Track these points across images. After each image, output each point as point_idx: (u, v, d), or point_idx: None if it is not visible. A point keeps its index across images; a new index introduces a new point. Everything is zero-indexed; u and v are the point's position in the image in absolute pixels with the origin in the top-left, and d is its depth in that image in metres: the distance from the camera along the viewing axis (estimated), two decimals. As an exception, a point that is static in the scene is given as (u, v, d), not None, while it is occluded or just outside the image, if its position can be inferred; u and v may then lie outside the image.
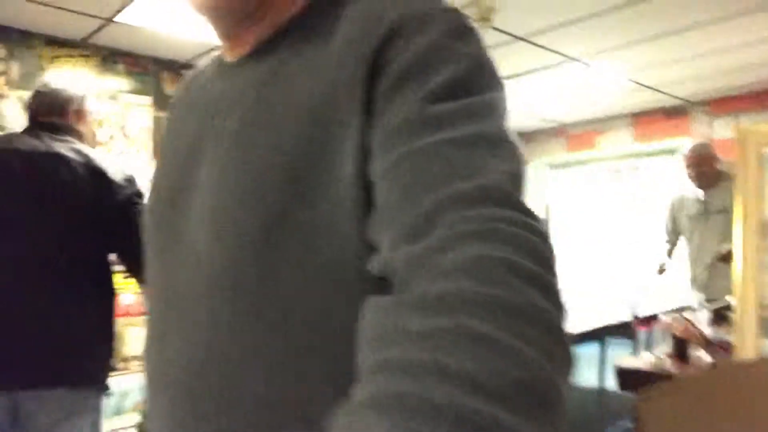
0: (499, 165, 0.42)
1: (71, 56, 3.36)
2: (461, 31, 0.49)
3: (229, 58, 0.62)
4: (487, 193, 0.40)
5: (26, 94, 2.99)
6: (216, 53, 0.67)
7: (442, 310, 0.32)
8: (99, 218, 1.67)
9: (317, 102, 0.50)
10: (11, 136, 1.75)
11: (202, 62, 0.72)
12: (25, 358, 1.54)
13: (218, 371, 0.50)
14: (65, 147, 1.70)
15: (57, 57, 3.30)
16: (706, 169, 3.35)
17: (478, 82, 0.47)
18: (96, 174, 1.68)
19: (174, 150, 0.62)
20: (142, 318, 3.33)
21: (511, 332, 0.31)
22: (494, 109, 0.46)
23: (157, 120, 3.68)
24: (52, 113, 1.81)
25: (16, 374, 1.54)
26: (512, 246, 0.36)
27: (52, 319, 1.56)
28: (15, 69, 3.14)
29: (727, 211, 3.04)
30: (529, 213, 0.40)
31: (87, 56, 3.41)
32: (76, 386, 1.60)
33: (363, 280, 0.47)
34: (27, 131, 1.75)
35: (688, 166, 3.40)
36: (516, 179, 0.42)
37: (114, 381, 3.28)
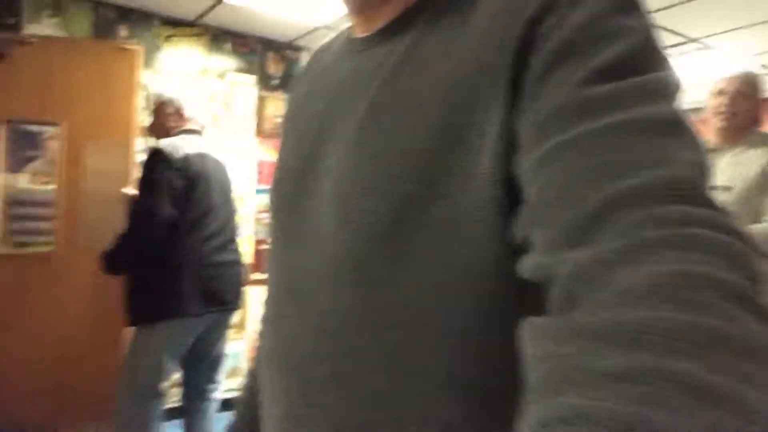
0: (682, 153, 0.34)
1: (184, 35, 3.50)
2: (624, 2, 0.42)
3: (360, 33, 0.59)
4: (673, 187, 0.32)
5: (146, 72, 3.18)
6: (327, 32, 0.66)
7: (638, 345, 0.25)
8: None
9: (457, 86, 0.46)
10: (202, 143, 2.37)
11: (329, 37, 0.69)
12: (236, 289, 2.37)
13: (335, 359, 0.49)
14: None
15: (171, 36, 3.45)
16: (739, 111, 2.13)
17: (647, 59, 0.40)
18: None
19: (301, 129, 0.60)
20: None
21: (733, 376, 0.23)
22: (668, 90, 0.39)
23: (260, 99, 3.78)
24: (184, 119, 2.41)
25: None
26: (716, 257, 0.29)
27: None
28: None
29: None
30: (724, 213, 0.32)
31: (198, 35, 3.55)
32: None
33: (495, 282, 0.44)
34: (187, 134, 2.35)
35: (715, 108, 2.18)
36: (704, 171, 0.35)
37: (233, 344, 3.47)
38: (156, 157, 2.17)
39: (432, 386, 0.45)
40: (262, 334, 0.61)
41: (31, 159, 2.81)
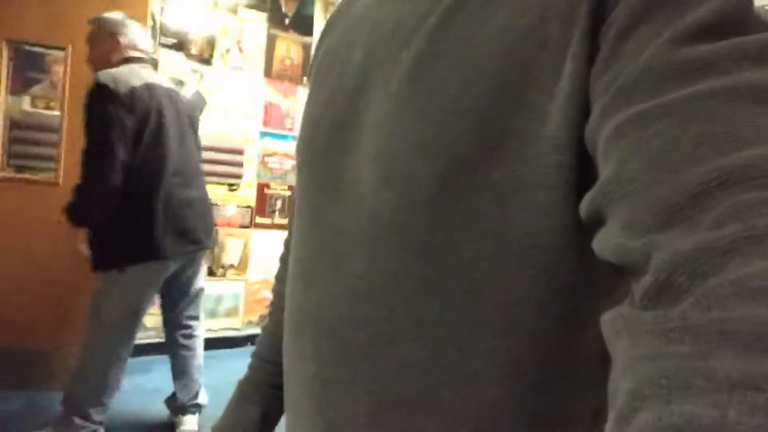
0: None
1: (195, -35, 3.38)
2: None
3: None
4: None
5: (153, 1, 3.09)
6: None
7: (765, 348, 0.22)
8: None
9: (520, 37, 0.41)
10: (150, 73, 2.17)
11: None
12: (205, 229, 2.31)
13: (374, 327, 0.46)
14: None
15: (182, -35, 3.34)
16: None
17: (747, 18, 0.34)
18: None
19: (336, 79, 0.55)
20: (242, 230, 3.45)
21: None
22: None
23: (271, 37, 3.68)
24: (125, 46, 2.23)
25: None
26: None
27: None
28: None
29: None
30: None
31: (210, -34, 3.43)
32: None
33: (557, 256, 0.40)
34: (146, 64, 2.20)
35: None
36: None
37: (211, 286, 3.49)
38: (99, 93, 1.99)
39: (477, 361, 0.42)
40: (289, 293, 0.57)
41: (34, 82, 2.74)
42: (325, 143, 0.54)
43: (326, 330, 0.50)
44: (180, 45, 3.36)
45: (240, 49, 3.58)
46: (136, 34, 2.25)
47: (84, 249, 2.12)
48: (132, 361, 3.03)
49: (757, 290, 0.24)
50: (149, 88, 2.11)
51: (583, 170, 0.38)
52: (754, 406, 0.20)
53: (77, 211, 2.03)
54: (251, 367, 0.72)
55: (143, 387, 2.92)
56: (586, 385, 0.44)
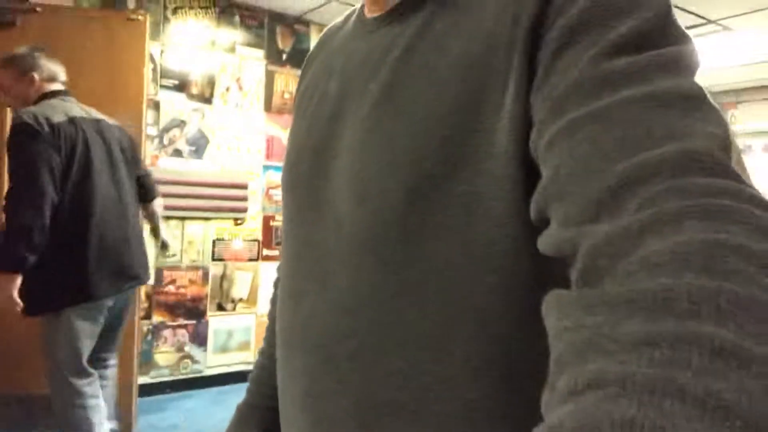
0: (704, 126, 0.34)
1: (191, 7, 3.47)
2: None
3: (370, 13, 0.59)
4: (695, 158, 0.31)
5: (153, 44, 3.17)
6: (336, 5, 0.65)
7: (665, 312, 0.25)
8: None
9: (471, 63, 0.45)
10: (71, 106, 2.13)
11: (339, 18, 0.69)
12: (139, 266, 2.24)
13: (358, 338, 0.49)
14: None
15: (179, 8, 3.43)
16: None
17: (666, 32, 0.39)
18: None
19: (314, 110, 0.60)
20: (250, 263, 3.47)
21: (757, 339, 0.23)
22: (687, 63, 0.38)
23: (269, 73, 3.76)
24: (39, 80, 2.17)
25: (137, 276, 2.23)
26: (743, 227, 0.28)
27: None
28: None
29: None
30: (750, 186, 0.31)
31: (206, 8, 3.51)
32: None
33: (516, 261, 0.44)
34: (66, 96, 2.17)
35: None
36: (727, 145, 0.34)
37: (221, 321, 3.51)
38: (21, 133, 1.92)
39: (453, 365, 0.45)
40: (280, 312, 0.61)
41: None
42: (307, 169, 0.58)
43: (314, 345, 0.53)
44: (180, 86, 3.43)
45: (240, 87, 3.65)
46: (50, 67, 2.19)
47: (16, 297, 1.98)
48: (146, 400, 3.04)
49: (660, 264, 0.27)
50: (73, 121, 2.05)
51: (532, 180, 0.41)
52: (651, 359, 0.23)
53: (8, 255, 1.92)
54: (249, 390, 0.74)
55: (158, 425, 2.92)
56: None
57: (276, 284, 0.76)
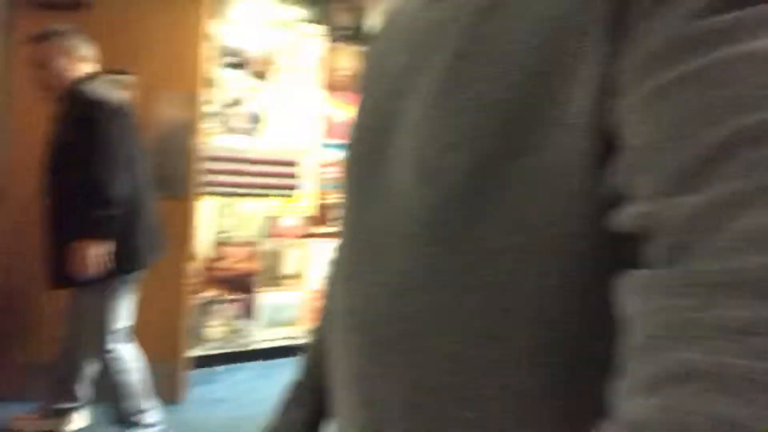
0: None
1: (253, -17, 3.45)
2: None
3: None
4: None
5: (214, 23, 3.17)
6: None
7: (764, 295, 0.23)
8: None
9: (547, 30, 0.42)
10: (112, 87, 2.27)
11: None
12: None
13: (410, 320, 0.48)
14: None
15: (240, -16, 3.42)
16: None
17: None
18: None
19: (380, 86, 0.58)
20: (301, 240, 3.51)
21: None
22: None
23: (328, 51, 3.72)
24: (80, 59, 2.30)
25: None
26: None
27: None
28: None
29: None
30: None
31: (267, -17, 3.49)
32: None
33: (587, 244, 0.40)
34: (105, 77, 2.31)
35: None
36: None
37: (271, 296, 3.58)
38: (98, 109, 2.07)
39: (511, 350, 0.43)
40: (333, 293, 0.61)
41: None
42: (367, 147, 0.57)
43: (365, 327, 0.52)
44: (239, 63, 3.44)
45: (298, 64, 3.63)
46: (85, 47, 2.28)
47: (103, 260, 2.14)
48: (197, 372, 3.14)
49: (757, 241, 0.25)
50: (122, 101, 2.20)
51: (608, 155, 0.38)
52: (750, 349, 0.21)
53: (100, 223, 2.08)
54: (300, 370, 0.75)
55: (206, 397, 3.02)
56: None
57: (332, 264, 0.76)
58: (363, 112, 0.61)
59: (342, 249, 0.59)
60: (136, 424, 2.34)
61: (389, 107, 0.55)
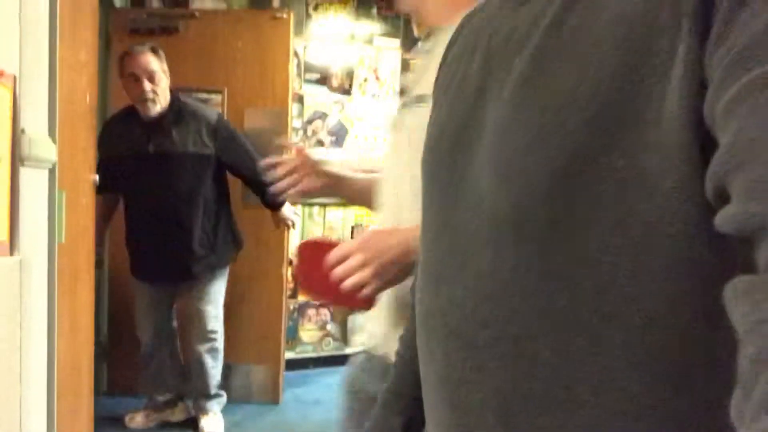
0: None
1: (331, 3, 3.61)
2: None
3: None
4: None
5: (297, 40, 3.35)
6: None
7: None
8: None
9: (633, 24, 0.41)
10: None
11: (480, 1, 0.67)
12: None
13: (499, 325, 0.47)
14: None
15: (319, 4, 3.58)
16: None
17: None
18: None
19: (456, 91, 0.59)
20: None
21: None
22: None
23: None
24: None
25: None
26: None
27: None
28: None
29: None
30: None
31: (345, 2, 3.64)
32: None
33: (688, 244, 0.39)
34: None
35: None
36: None
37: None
38: (223, 118, 2.62)
39: (613, 355, 0.42)
40: (420, 297, 0.60)
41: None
42: (448, 148, 0.57)
43: (453, 331, 0.52)
44: (322, 79, 3.60)
45: (377, 77, 3.74)
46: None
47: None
48: (291, 374, 3.25)
49: None
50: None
51: (706, 152, 0.37)
52: None
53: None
54: (392, 377, 0.74)
55: (303, 398, 3.11)
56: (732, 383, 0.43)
57: (416, 267, 0.75)
58: (441, 114, 0.61)
59: (425, 252, 0.59)
60: (219, 395, 2.62)
61: (469, 110, 0.55)
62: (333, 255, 0.91)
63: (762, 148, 0.31)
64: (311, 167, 1.20)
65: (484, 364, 0.48)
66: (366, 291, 0.89)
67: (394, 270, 0.90)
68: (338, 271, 0.89)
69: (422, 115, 0.81)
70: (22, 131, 1.20)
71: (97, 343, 2.09)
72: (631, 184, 0.40)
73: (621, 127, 0.41)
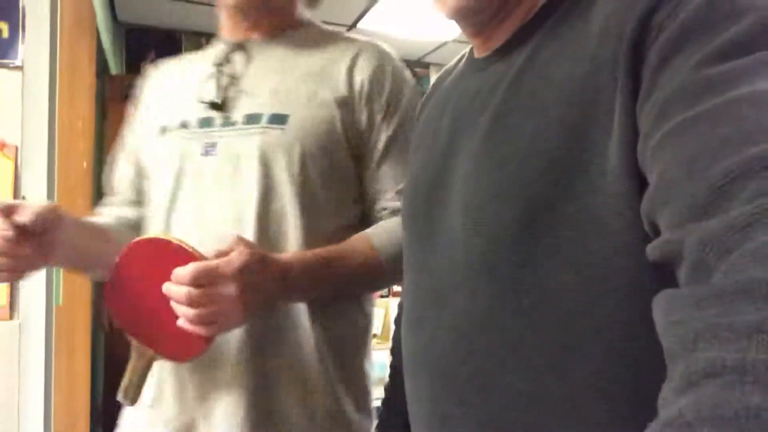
0: None
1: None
2: None
3: (479, 54, 0.62)
4: None
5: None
6: (454, 45, 0.71)
7: None
8: None
9: (577, 84, 0.47)
10: None
11: (452, 61, 0.74)
12: None
13: (476, 361, 0.51)
14: None
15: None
16: None
17: (765, 37, 0.39)
18: None
19: (429, 145, 0.64)
20: (381, 299, 3.59)
21: None
22: None
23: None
24: None
25: None
26: None
27: None
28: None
29: None
30: None
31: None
32: None
33: (636, 277, 0.43)
34: None
35: None
36: None
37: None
38: None
39: (577, 385, 0.45)
40: (404, 339, 0.63)
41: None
42: (423, 200, 0.62)
43: (435, 368, 0.55)
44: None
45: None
46: None
47: None
48: None
49: (764, 257, 0.28)
50: None
51: (643, 194, 0.42)
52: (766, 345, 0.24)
53: None
54: (380, 417, 0.78)
55: None
56: None
57: (397, 320, 0.80)
58: (416, 167, 0.66)
59: (406, 297, 0.64)
60: None
61: (440, 164, 0.60)
62: (191, 272, 0.64)
63: (679, 186, 0.36)
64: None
65: (465, 399, 0.52)
66: (210, 332, 0.68)
67: (255, 311, 0.72)
68: (194, 296, 0.65)
69: (256, 140, 0.80)
70: (23, 198, 1.25)
71: (93, 406, 2.08)
72: (585, 226, 0.45)
73: (572, 177, 0.45)
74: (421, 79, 4.01)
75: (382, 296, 3.79)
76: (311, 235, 0.82)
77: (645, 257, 0.41)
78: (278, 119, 0.82)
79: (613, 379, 0.44)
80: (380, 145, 0.87)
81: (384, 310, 3.81)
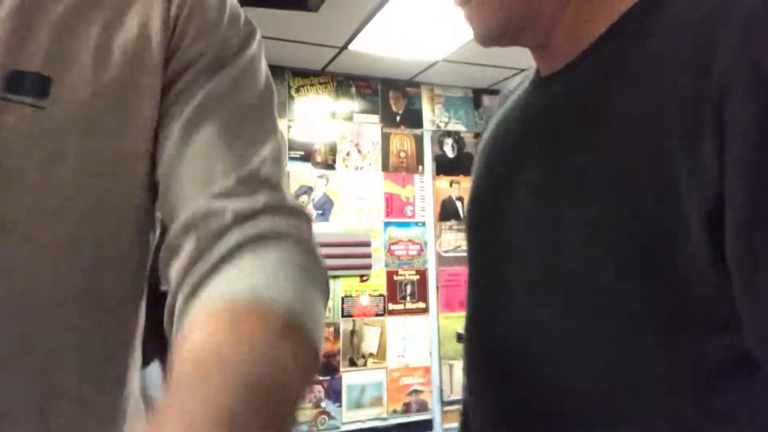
0: None
1: (312, 84, 3.78)
2: None
3: (544, 71, 0.64)
4: None
5: (281, 121, 3.46)
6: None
7: None
8: None
9: (651, 125, 0.47)
10: None
11: (516, 81, 0.76)
12: None
13: (541, 368, 0.54)
14: None
15: (301, 86, 3.75)
16: None
17: None
18: None
19: (495, 156, 0.68)
20: (377, 318, 3.56)
21: None
22: None
23: (385, 135, 3.96)
24: None
25: None
26: None
27: None
28: (270, 100, 3.64)
29: None
30: None
31: (325, 83, 3.81)
32: None
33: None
34: None
35: None
36: None
37: (354, 376, 3.60)
38: None
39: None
40: (470, 347, 0.66)
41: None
42: (489, 210, 0.65)
43: (500, 375, 0.61)
44: (306, 155, 3.71)
45: (359, 151, 3.87)
46: None
47: None
48: None
49: None
50: None
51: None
52: None
53: None
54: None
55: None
56: None
57: (470, 319, 0.75)
58: (482, 177, 0.70)
59: (480, 305, 0.65)
60: None
61: (506, 171, 0.63)
62: None
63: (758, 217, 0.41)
64: None
65: (533, 406, 0.56)
66: None
67: None
68: None
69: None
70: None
71: None
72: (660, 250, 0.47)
73: (653, 221, 0.47)
74: (412, 99, 4.05)
75: (377, 315, 3.78)
76: None
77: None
78: None
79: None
80: None
81: (379, 328, 3.80)
